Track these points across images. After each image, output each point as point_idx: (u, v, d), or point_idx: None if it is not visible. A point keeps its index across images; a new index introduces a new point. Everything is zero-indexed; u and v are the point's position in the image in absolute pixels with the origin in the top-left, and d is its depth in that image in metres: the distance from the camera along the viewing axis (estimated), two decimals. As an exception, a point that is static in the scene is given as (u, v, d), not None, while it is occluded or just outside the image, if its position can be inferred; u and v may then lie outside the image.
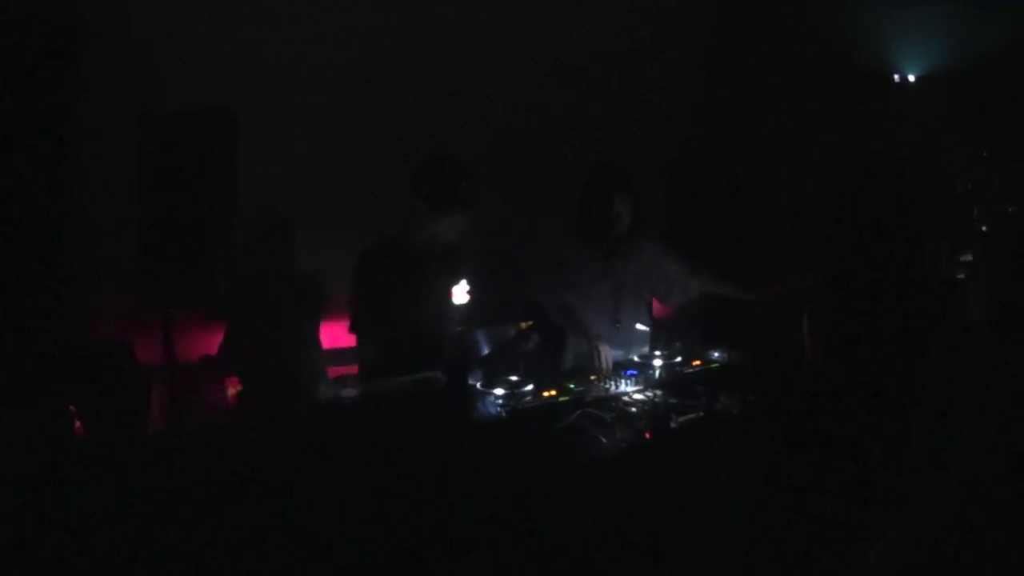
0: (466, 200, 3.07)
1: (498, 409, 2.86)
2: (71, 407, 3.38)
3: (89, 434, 3.47)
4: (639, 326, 3.53)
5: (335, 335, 3.85)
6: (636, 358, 3.45)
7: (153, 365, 3.52)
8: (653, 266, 3.61)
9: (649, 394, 3.09)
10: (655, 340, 3.60)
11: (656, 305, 3.87)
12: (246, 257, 3.24)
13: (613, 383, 3.16)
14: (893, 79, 5.53)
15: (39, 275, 3.15)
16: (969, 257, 5.10)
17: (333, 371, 3.87)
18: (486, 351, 3.18)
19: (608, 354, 3.30)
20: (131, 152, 3.21)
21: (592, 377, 3.23)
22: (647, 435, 2.80)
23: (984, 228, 5.28)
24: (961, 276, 4.96)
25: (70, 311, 3.43)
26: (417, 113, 4.40)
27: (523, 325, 3.24)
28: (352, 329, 3.23)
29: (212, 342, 4.65)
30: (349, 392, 3.07)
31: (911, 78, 5.52)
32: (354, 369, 3.92)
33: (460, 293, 2.94)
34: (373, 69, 4.41)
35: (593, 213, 3.43)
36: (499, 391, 2.98)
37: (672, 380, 3.23)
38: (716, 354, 3.48)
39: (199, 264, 3.19)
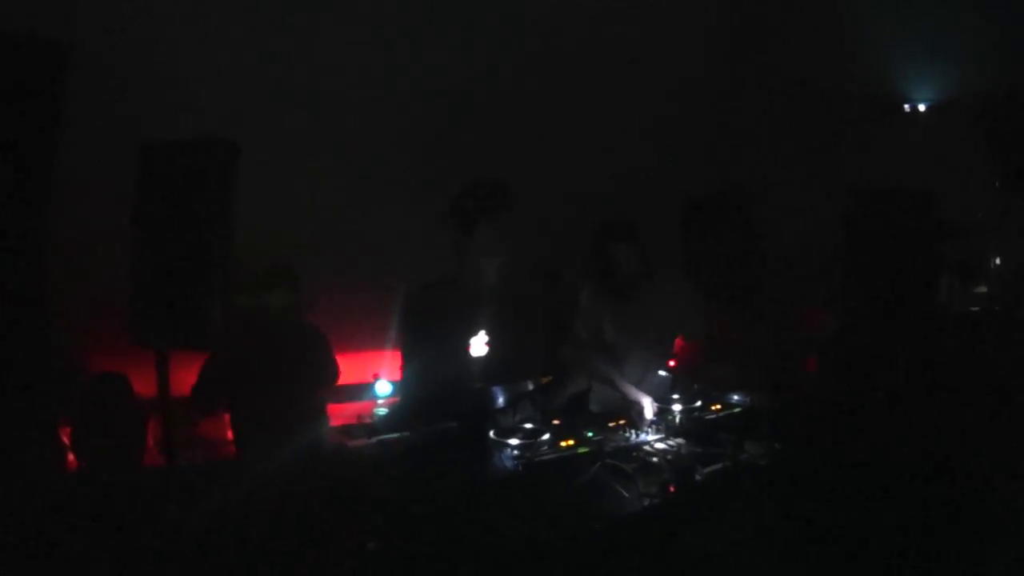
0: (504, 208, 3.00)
1: (514, 462, 2.69)
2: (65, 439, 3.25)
3: (85, 464, 3.35)
4: (661, 372, 3.37)
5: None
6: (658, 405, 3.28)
7: (150, 397, 3.37)
8: (667, 305, 3.46)
9: (671, 443, 2.93)
10: (675, 385, 3.44)
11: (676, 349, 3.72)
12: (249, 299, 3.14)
13: (634, 432, 2.99)
14: (903, 108, 5.45)
15: (29, 302, 3.01)
16: (983, 289, 5.01)
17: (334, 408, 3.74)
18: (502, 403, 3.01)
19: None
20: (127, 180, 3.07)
21: (611, 424, 3.06)
22: (671, 488, 2.64)
23: (997, 260, 5.18)
24: (975, 308, 4.87)
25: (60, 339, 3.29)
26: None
27: (544, 379, 3.07)
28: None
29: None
30: (357, 442, 2.89)
31: (921, 107, 5.45)
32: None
33: (479, 345, 2.76)
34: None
35: (598, 262, 3.36)
36: (514, 441, 2.81)
37: (693, 427, 3.06)
38: (736, 397, 3.34)
39: (193, 304, 3.02)
